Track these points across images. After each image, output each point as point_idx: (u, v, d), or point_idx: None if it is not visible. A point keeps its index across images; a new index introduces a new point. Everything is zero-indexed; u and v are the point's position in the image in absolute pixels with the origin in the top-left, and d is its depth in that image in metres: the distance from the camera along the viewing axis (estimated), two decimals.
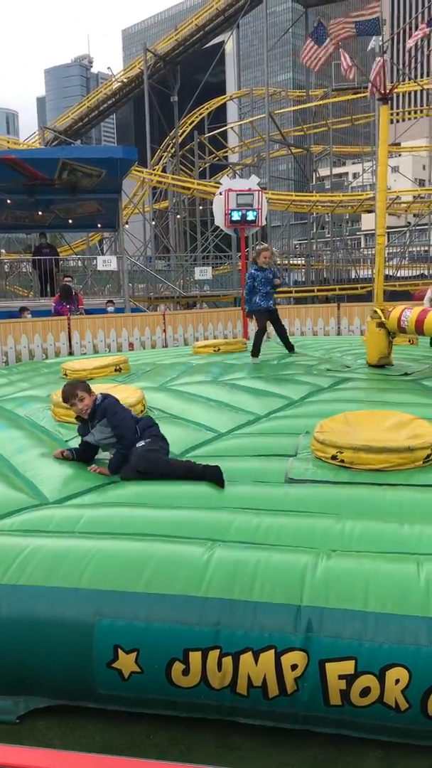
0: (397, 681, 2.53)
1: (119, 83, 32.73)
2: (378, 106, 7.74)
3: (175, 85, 31.23)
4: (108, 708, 2.82)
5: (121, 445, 4.50)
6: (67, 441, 5.34)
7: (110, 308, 15.23)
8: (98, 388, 6.31)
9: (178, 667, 2.68)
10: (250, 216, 13.41)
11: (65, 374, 8.27)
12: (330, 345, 11.24)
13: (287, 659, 2.62)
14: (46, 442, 5.31)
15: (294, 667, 2.61)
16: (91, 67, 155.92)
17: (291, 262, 36.47)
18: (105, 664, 2.71)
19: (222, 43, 37.01)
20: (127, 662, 2.70)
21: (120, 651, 2.71)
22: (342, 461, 4.29)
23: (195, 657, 2.68)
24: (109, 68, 35.17)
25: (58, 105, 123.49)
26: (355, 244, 47.14)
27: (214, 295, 25.35)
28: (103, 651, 2.71)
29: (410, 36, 10.44)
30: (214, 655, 2.67)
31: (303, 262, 36.24)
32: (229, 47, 30.85)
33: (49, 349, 12.18)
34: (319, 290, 27.44)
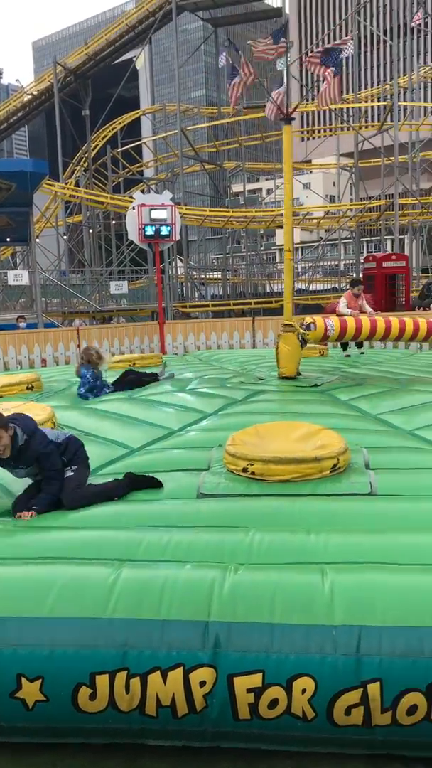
0: (304, 690, 2.56)
1: (29, 95, 32.23)
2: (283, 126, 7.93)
3: (86, 98, 31.02)
4: (11, 741, 2.71)
5: (52, 488, 4.03)
6: None
7: (22, 324, 14.89)
8: (5, 406, 6.15)
9: (84, 692, 2.62)
10: (164, 231, 13.47)
11: None
12: (245, 358, 11.39)
13: (195, 676, 2.61)
14: None
15: (202, 683, 2.60)
16: (1, 78, 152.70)
17: (208, 276, 36.83)
18: (8, 694, 2.61)
19: (134, 59, 37.13)
20: (31, 691, 2.61)
21: (23, 680, 2.61)
22: (253, 473, 4.33)
23: (102, 680, 2.62)
24: (17, 80, 34.56)
25: None
26: (271, 258, 48.12)
27: (131, 309, 25.24)
28: (4, 681, 2.61)
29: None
30: (121, 677, 2.62)
31: (220, 276, 36.66)
32: (141, 63, 30.92)
33: None
34: (235, 304, 27.81)
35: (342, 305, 10.27)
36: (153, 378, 8.51)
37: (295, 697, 2.56)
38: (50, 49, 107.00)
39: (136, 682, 2.62)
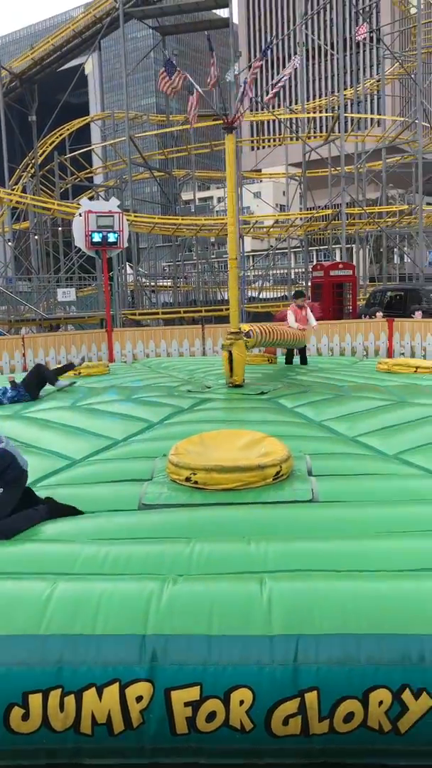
0: (242, 702, 2.53)
1: None
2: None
3: (33, 104, 30.63)
4: None
5: None
6: None
7: None
8: None
9: (17, 712, 2.54)
10: (112, 238, 13.37)
11: None
12: (194, 366, 11.37)
13: (132, 691, 2.56)
14: None
15: (139, 698, 2.55)
16: None
17: (159, 283, 36.73)
18: None
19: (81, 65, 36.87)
20: None
21: None
22: (196, 483, 4.31)
23: (35, 699, 2.55)
24: None
25: None
26: (222, 266, 48.27)
27: (80, 317, 24.94)
28: None
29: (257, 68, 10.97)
30: (55, 695, 2.55)
31: (170, 283, 36.59)
32: (89, 69, 30.70)
33: None
34: (186, 312, 27.78)
35: (291, 319, 10.44)
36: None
37: (233, 709, 2.53)
38: None
39: (70, 700, 2.55)
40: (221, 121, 8.42)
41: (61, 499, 4.32)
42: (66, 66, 32.39)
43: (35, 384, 8.11)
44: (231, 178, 8.04)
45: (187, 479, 4.34)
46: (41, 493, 4.29)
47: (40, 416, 6.75)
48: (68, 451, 5.47)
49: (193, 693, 2.54)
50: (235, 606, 2.76)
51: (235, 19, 38.32)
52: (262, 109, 38.96)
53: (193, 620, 2.69)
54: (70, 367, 9.52)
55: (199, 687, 2.55)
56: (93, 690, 2.55)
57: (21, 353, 13.00)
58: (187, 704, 2.54)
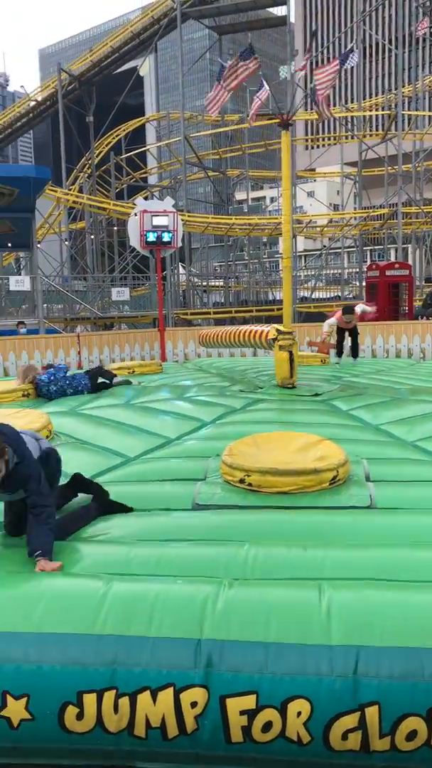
0: (299, 713, 2.46)
1: (34, 101, 32.31)
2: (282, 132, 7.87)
3: (90, 105, 31.10)
4: None
5: (44, 521, 3.34)
6: None
7: (22, 330, 14.84)
8: (2, 413, 6.07)
9: (71, 711, 2.52)
10: (166, 237, 13.43)
11: None
12: (244, 366, 11.31)
13: (187, 697, 2.51)
14: None
15: (194, 704, 2.50)
16: (7, 85, 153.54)
17: (210, 283, 36.81)
18: None
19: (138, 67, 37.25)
20: (16, 709, 2.52)
21: (9, 697, 2.52)
22: (250, 485, 4.24)
23: (89, 699, 2.52)
24: (22, 86, 34.68)
25: None
26: (274, 266, 48.08)
27: (133, 316, 25.19)
28: None
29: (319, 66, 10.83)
30: (109, 696, 2.53)
31: (222, 283, 36.64)
32: (145, 70, 31.01)
33: None
34: (237, 312, 27.74)
35: (330, 322, 10.53)
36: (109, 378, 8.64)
37: (290, 720, 2.46)
38: (56, 57, 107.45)
39: (124, 702, 2.52)
40: (276, 120, 8.35)
41: (115, 496, 4.33)
42: (123, 68, 32.78)
43: (96, 380, 8.30)
44: (286, 174, 7.96)
45: (241, 481, 4.28)
46: None
47: (95, 413, 6.79)
48: (123, 449, 5.47)
49: (249, 702, 2.48)
50: (293, 613, 2.68)
51: (292, 18, 38.01)
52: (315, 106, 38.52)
53: (249, 626, 2.63)
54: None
55: (255, 695, 2.48)
56: (147, 693, 2.52)
57: (76, 351, 13.18)
58: (242, 713, 2.48)
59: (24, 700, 2.52)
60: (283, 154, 7.94)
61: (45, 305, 20.16)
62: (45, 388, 7.82)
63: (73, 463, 5.10)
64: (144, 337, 14.50)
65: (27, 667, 2.55)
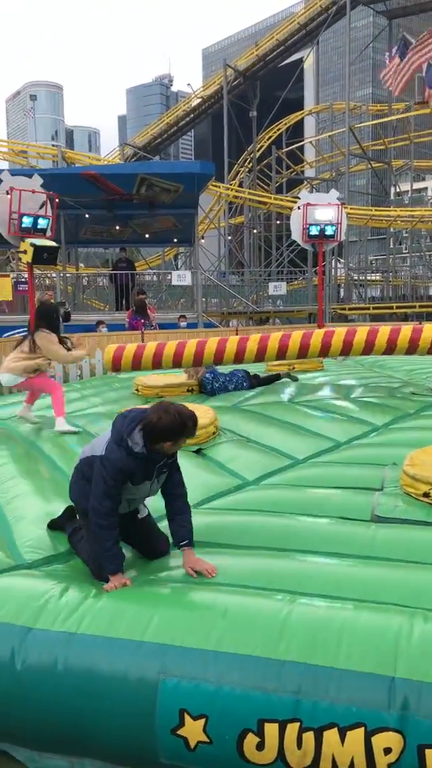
0: None
1: (198, 99, 32.99)
2: None
3: (254, 100, 31.22)
4: None
5: (186, 498, 3.30)
6: None
7: (183, 323, 15.11)
8: None
9: (251, 739, 2.34)
10: (329, 231, 13.06)
11: (137, 390, 8.11)
12: (411, 365, 10.67)
13: (379, 740, 2.24)
14: None
15: (387, 750, 2.23)
16: (171, 85, 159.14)
17: (368, 278, 35.68)
18: (170, 730, 2.39)
19: (300, 60, 36.88)
20: (194, 730, 2.38)
21: (186, 716, 2.38)
22: None
23: (271, 729, 2.33)
24: (189, 84, 35.55)
25: (138, 123, 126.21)
26: None
27: (288, 311, 24.97)
28: (167, 715, 2.40)
29: None
30: (293, 728, 2.31)
31: (379, 277, 35.42)
32: (309, 63, 30.59)
33: None
34: (398, 307, 26.59)
35: None
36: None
37: None
38: (219, 55, 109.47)
39: (309, 737, 2.30)
40: None
41: (285, 500, 4.13)
42: (286, 62, 32.57)
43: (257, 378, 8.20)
44: None
45: (425, 495, 3.91)
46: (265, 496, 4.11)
47: (259, 410, 6.64)
48: (290, 450, 5.26)
49: None
50: None
51: None
52: None
53: None
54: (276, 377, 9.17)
55: None
56: (335, 730, 2.28)
57: None
58: None
59: (202, 721, 2.37)
60: None
61: (203, 299, 20.48)
62: (209, 386, 7.85)
63: (240, 461, 5.00)
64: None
65: (206, 686, 2.40)
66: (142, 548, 3.41)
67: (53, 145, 58.96)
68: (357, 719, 2.28)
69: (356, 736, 2.26)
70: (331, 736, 2.28)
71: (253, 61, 30.55)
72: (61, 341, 6.33)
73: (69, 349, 6.38)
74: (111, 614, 2.64)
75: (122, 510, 3.19)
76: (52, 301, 14.87)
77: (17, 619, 2.67)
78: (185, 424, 3.04)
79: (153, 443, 3.01)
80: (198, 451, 5.21)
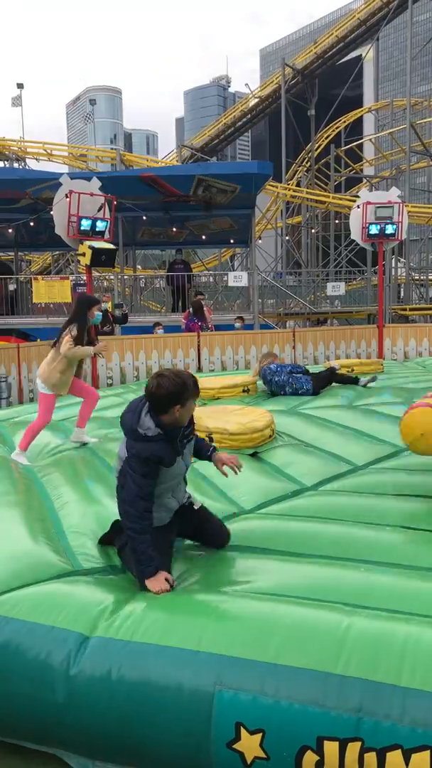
0: None
1: (256, 99, 32.89)
2: None
3: (312, 98, 30.91)
4: None
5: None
6: None
7: (238, 324, 15.05)
8: (225, 410, 6.03)
9: (310, 757, 2.26)
10: (390, 230, 12.75)
11: None
12: None
13: None
14: None
15: None
16: (229, 86, 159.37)
17: (429, 278, 34.82)
18: (225, 743, 2.34)
19: (359, 57, 36.35)
20: (250, 744, 2.31)
21: (243, 730, 2.32)
22: None
23: (331, 747, 2.24)
24: (246, 84, 35.40)
25: (196, 125, 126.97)
26: None
27: (346, 312, 24.60)
28: (223, 728, 2.34)
29: None
30: (354, 747, 2.22)
31: None
32: (368, 59, 30.08)
33: (179, 365, 12.14)
34: None
35: None
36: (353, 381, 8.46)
37: None
38: (276, 55, 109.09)
39: (371, 758, 2.20)
40: None
41: (345, 508, 4.02)
42: (344, 59, 32.14)
43: (324, 384, 8.02)
44: None
45: None
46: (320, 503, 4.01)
47: (317, 414, 6.52)
48: (349, 455, 5.14)
49: None
50: None
51: None
52: None
53: None
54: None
55: None
56: (399, 753, 2.18)
57: (291, 346, 13.05)
58: None
59: (259, 735, 2.30)
60: None
61: (259, 300, 20.38)
62: (269, 376, 7.79)
63: (298, 466, 4.90)
64: (361, 333, 13.96)
65: (263, 700, 2.33)
66: (206, 538, 3.48)
67: (112, 149, 59.83)
68: (422, 741, 2.17)
69: (421, 759, 2.16)
70: (394, 758, 2.18)
71: (312, 59, 30.25)
72: (87, 334, 5.86)
73: (91, 343, 5.89)
74: (166, 623, 2.60)
75: (172, 505, 3.26)
76: (110, 303, 15.05)
77: (74, 625, 2.66)
78: (185, 382, 3.04)
79: (162, 412, 3.02)
80: (254, 455, 5.14)
